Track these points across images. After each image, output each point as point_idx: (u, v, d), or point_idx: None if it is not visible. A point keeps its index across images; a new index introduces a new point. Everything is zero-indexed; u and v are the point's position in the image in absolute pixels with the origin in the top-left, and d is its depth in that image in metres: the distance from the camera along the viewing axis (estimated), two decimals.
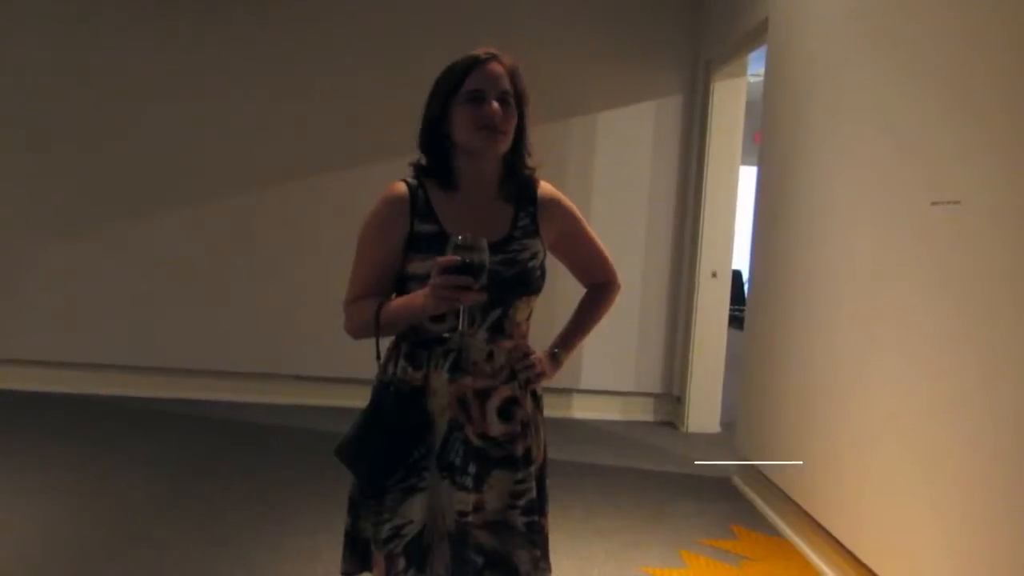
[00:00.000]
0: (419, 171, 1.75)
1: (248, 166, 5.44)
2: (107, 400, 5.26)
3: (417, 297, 1.58)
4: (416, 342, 1.70)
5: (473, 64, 1.66)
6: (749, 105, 5.39)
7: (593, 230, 1.89)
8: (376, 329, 1.65)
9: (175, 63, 5.37)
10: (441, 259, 1.49)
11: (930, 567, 2.52)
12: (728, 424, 5.20)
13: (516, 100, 1.69)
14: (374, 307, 1.66)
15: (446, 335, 1.67)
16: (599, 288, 1.93)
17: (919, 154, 2.71)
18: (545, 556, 1.76)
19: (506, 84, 1.67)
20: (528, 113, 1.72)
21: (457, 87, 1.66)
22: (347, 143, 5.41)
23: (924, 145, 2.69)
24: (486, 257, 1.48)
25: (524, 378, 1.74)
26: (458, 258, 1.47)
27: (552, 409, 1.89)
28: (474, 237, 1.48)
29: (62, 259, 5.43)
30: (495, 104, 1.64)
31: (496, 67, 1.67)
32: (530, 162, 1.76)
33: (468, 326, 1.63)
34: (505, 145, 1.69)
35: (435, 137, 1.71)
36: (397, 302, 1.66)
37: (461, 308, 1.53)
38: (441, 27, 5.23)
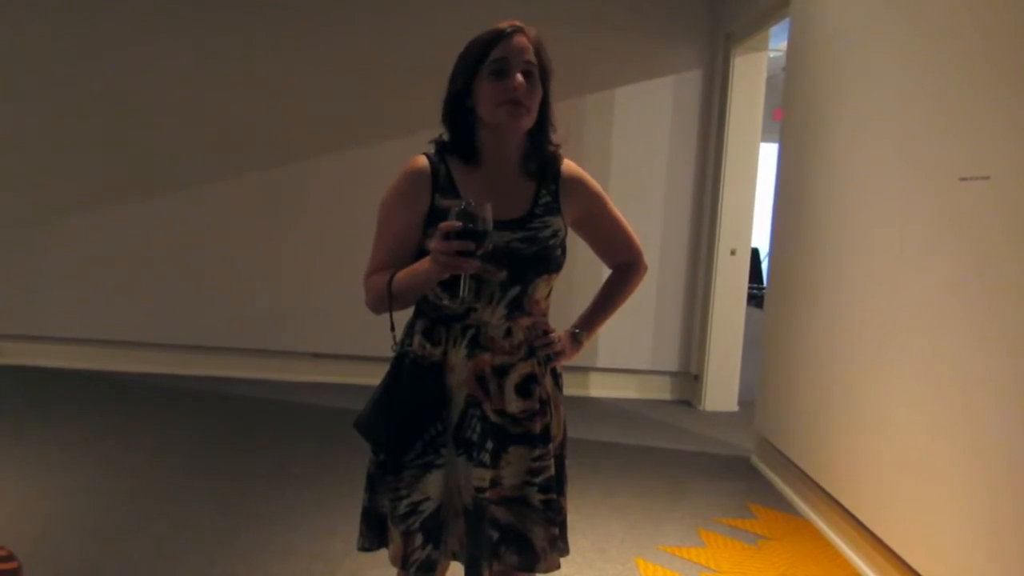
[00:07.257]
0: (441, 147, 1.72)
1: (264, 145, 5.42)
2: (125, 377, 5.30)
3: (423, 263, 1.56)
4: (435, 318, 1.69)
5: (498, 37, 1.63)
6: (768, 81, 5.31)
7: (618, 210, 1.85)
8: (389, 299, 1.63)
9: (190, 43, 5.34)
10: (443, 224, 1.47)
11: (953, 545, 2.49)
12: (746, 403, 5.18)
13: (541, 74, 1.66)
14: (387, 277, 1.64)
15: (445, 303, 1.65)
16: (624, 269, 1.90)
17: (947, 128, 2.65)
18: (563, 536, 1.74)
19: (531, 56, 1.64)
20: (552, 88, 1.69)
21: (481, 60, 1.63)
22: (363, 120, 5.38)
23: (952, 118, 2.63)
24: (490, 224, 1.46)
25: (543, 356, 1.73)
26: (460, 223, 1.45)
27: (569, 388, 1.87)
28: (478, 203, 1.46)
29: (84, 237, 5.45)
30: (519, 77, 1.61)
31: (521, 39, 1.64)
32: (556, 138, 1.73)
33: (469, 294, 1.60)
34: (529, 121, 1.66)
35: (459, 111, 1.68)
36: (405, 270, 1.63)
37: (462, 275, 1.51)
38: (457, 2, 5.16)
